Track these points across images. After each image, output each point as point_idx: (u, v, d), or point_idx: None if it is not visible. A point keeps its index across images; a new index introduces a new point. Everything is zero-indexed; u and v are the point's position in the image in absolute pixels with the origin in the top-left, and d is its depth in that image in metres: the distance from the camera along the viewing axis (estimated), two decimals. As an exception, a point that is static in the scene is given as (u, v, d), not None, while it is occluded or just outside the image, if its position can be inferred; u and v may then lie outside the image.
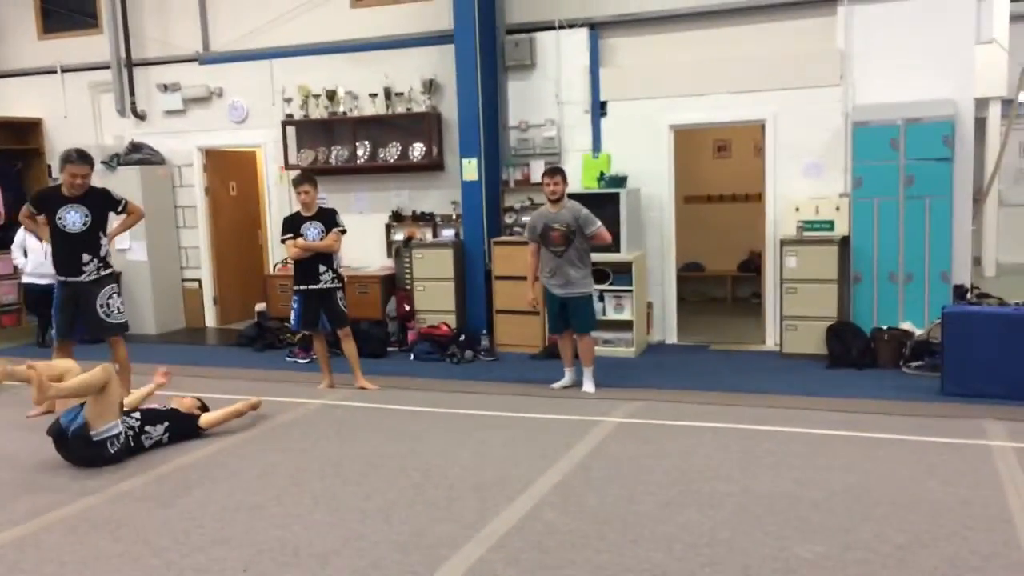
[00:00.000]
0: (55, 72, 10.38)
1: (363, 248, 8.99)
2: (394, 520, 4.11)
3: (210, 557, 3.77)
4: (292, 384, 7.17)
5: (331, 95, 8.98)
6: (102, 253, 6.08)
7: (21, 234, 9.05)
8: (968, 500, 4.12)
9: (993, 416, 5.50)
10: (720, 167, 10.75)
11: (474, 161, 8.24)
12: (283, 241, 6.86)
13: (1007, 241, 10.17)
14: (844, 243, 7.38)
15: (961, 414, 5.61)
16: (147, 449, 5.21)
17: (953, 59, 7.18)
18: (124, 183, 9.04)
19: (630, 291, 7.82)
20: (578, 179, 8.09)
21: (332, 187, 8.94)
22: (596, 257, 7.13)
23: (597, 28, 8.26)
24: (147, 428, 5.22)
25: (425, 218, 8.95)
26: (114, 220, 6.36)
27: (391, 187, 9.11)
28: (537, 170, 8.06)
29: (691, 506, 4.16)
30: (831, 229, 7.48)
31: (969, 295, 7.05)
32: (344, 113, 9.02)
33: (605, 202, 7.66)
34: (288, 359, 8.21)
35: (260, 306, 9.27)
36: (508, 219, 8.61)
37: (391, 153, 8.89)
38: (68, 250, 5.99)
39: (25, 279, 9.18)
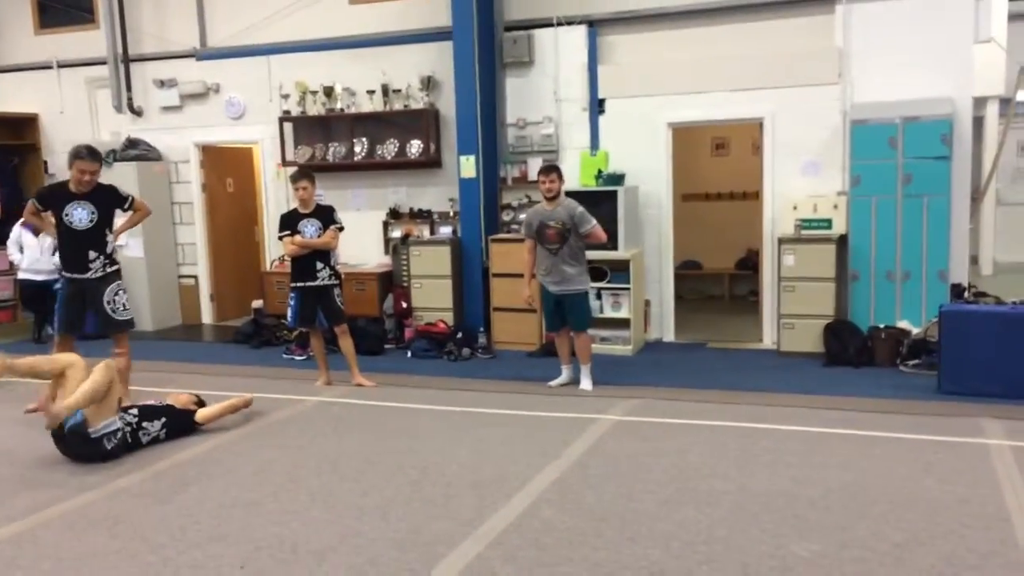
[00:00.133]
0: (51, 67, 10.35)
1: (360, 245, 8.98)
2: (391, 517, 4.10)
3: (207, 554, 3.76)
4: (289, 381, 7.16)
5: (329, 91, 8.96)
6: (108, 250, 6.07)
7: (17, 230, 9.03)
8: (965, 498, 4.13)
9: (990, 415, 5.51)
10: (718, 165, 10.75)
11: (472, 158, 8.23)
12: (280, 238, 6.84)
13: (1004, 240, 10.17)
14: (842, 241, 7.38)
15: (958, 412, 5.62)
16: (145, 445, 5.20)
17: (951, 58, 7.19)
18: (120, 179, 8.96)
19: (628, 289, 7.82)
20: (576, 177, 8.08)
21: (329, 184, 8.92)
22: (594, 255, 7.14)
23: (595, 25, 8.25)
24: (144, 424, 5.22)
25: (423, 215, 8.94)
26: (120, 216, 6.34)
27: (388, 184, 9.10)
28: (535, 167, 8.05)
29: (688, 504, 4.16)
30: (829, 227, 7.48)
31: (966, 294, 7.05)
32: (342, 110, 9.00)
33: (603, 200, 7.67)
34: (285, 356, 8.20)
35: (257, 303, 9.26)
36: (506, 216, 8.60)
37: (389, 150, 8.88)
38: (75, 247, 5.97)
39: (21, 275, 9.15)
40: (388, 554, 3.70)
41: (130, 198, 6.23)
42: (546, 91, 8.43)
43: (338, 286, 6.84)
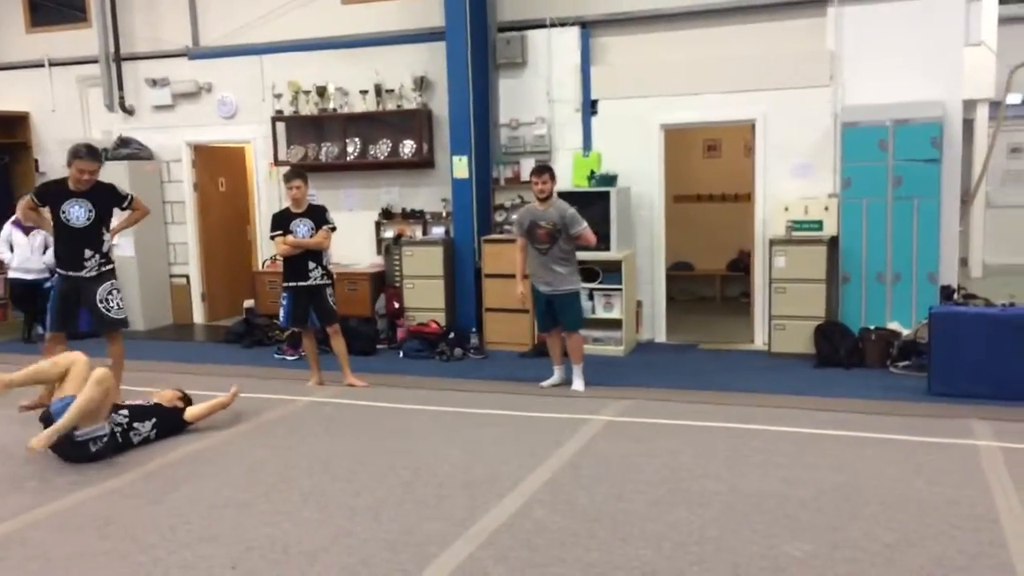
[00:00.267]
0: (43, 66, 10.30)
1: (353, 245, 8.96)
2: (383, 518, 4.10)
3: (197, 554, 3.75)
4: (280, 381, 7.15)
5: (321, 91, 8.95)
6: (104, 249, 6.05)
7: (7, 228, 8.99)
8: (955, 500, 4.15)
9: (979, 416, 5.54)
10: (710, 167, 10.77)
11: (465, 159, 8.23)
12: (272, 238, 6.83)
13: (993, 242, 10.24)
14: (833, 243, 7.41)
15: (948, 414, 5.65)
16: (135, 446, 5.19)
17: (942, 61, 7.23)
18: (112, 178, 8.81)
19: (619, 290, 7.84)
20: (568, 177, 8.10)
21: (322, 184, 8.91)
22: (586, 255, 7.15)
23: (588, 27, 8.26)
24: (135, 425, 5.20)
25: (415, 215, 8.94)
26: (118, 215, 6.32)
27: (381, 184, 9.09)
28: (528, 168, 8.05)
29: (680, 504, 4.17)
30: (820, 229, 7.51)
31: (956, 296, 7.09)
32: (334, 110, 8.99)
33: (595, 200, 7.68)
34: (276, 356, 8.18)
35: (248, 302, 9.24)
36: (498, 217, 8.61)
37: (381, 150, 8.87)
38: (70, 244, 5.96)
39: (11, 274, 9.11)
40: (380, 555, 3.70)
41: (129, 197, 6.21)
42: (539, 92, 8.44)
43: (330, 286, 6.83)
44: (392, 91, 8.77)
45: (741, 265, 10.26)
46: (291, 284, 6.74)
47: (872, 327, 7.17)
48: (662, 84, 8.05)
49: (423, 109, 8.68)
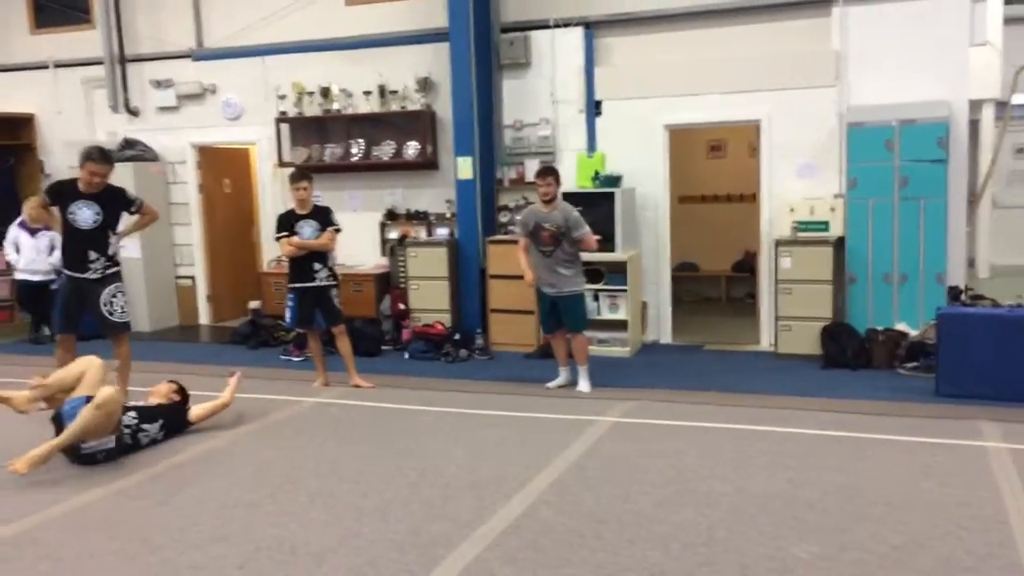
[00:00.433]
0: (48, 67, 10.31)
1: (357, 246, 8.96)
2: (390, 519, 4.10)
3: (207, 555, 3.76)
4: (287, 382, 7.15)
5: (325, 92, 8.96)
6: (110, 252, 6.07)
7: (14, 230, 9.01)
8: (963, 501, 4.14)
9: (988, 417, 5.52)
10: (715, 167, 10.76)
11: (469, 160, 8.22)
12: (278, 239, 6.84)
13: (1000, 243, 10.21)
14: (839, 244, 7.40)
15: (956, 415, 5.63)
16: (144, 447, 5.20)
17: (947, 61, 7.21)
18: (117, 180, 8.87)
19: (625, 291, 7.83)
20: (573, 178, 8.09)
21: (326, 185, 8.91)
22: (591, 256, 7.14)
23: (592, 27, 8.26)
24: (144, 426, 5.22)
25: (419, 217, 8.94)
26: (126, 219, 6.33)
27: (385, 185, 9.09)
28: (532, 169, 8.05)
29: (687, 506, 4.17)
30: (826, 230, 7.50)
31: (963, 296, 7.08)
32: (338, 111, 9.00)
33: (600, 201, 7.68)
34: (282, 357, 8.18)
35: (254, 303, 9.24)
36: (503, 218, 8.60)
37: (385, 151, 8.87)
38: (76, 246, 5.98)
39: (18, 275, 9.11)
40: (387, 555, 3.70)
41: (138, 201, 6.23)
42: (543, 93, 8.43)
43: (336, 287, 6.84)
44: (396, 92, 8.77)
45: (746, 266, 10.24)
46: (297, 285, 6.74)
47: (879, 328, 7.15)
48: (666, 84, 8.04)
49: (427, 110, 8.68)
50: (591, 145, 8.32)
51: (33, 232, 8.90)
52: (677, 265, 9.42)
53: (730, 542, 3.75)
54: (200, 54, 9.69)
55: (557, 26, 8.28)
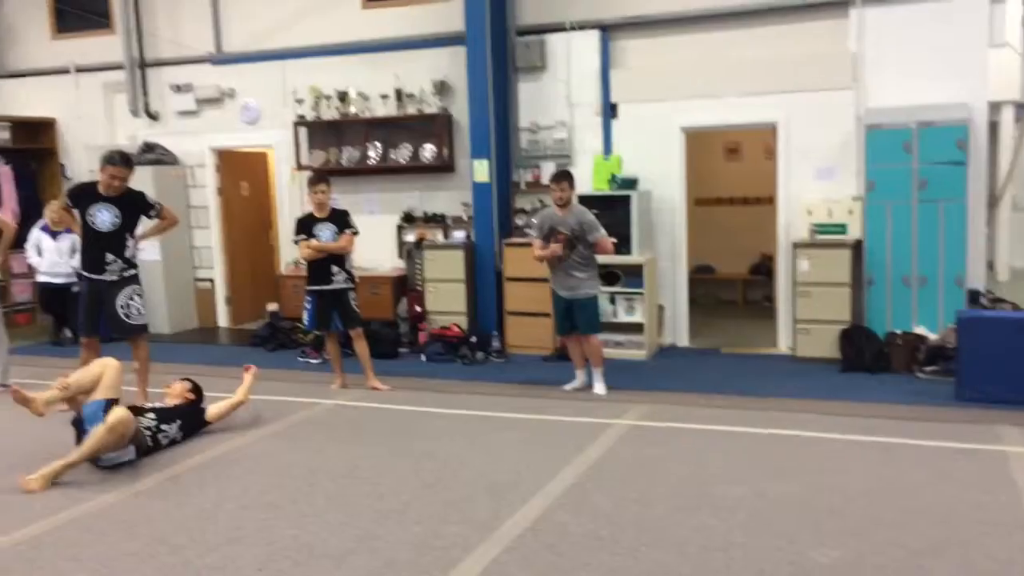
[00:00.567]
0: (68, 72, 10.42)
1: (374, 249, 9.00)
2: (408, 520, 4.12)
3: (226, 556, 3.79)
4: (304, 384, 7.19)
5: (342, 96, 9.01)
6: (127, 255, 6.12)
7: (36, 233, 9.10)
8: (984, 505, 4.11)
9: (1008, 421, 5.47)
10: (731, 170, 10.73)
11: (485, 162, 8.24)
12: (296, 242, 6.88)
13: (1021, 246, 10.10)
14: (857, 246, 7.35)
15: (976, 419, 5.58)
16: (163, 447, 5.24)
17: (966, 62, 7.16)
18: (137, 183, 8.97)
19: (641, 293, 7.82)
20: (589, 181, 8.09)
21: (343, 188, 8.95)
22: (608, 259, 7.13)
23: (608, 30, 8.26)
24: (163, 427, 5.27)
25: (436, 219, 8.96)
26: (145, 223, 6.38)
27: (402, 188, 9.12)
28: (548, 172, 8.05)
29: (705, 509, 4.16)
30: (844, 232, 7.46)
31: (983, 299, 7.02)
32: (355, 114, 9.04)
33: (616, 204, 7.68)
34: (300, 359, 8.23)
35: (272, 306, 9.30)
36: (519, 221, 8.61)
37: (402, 154, 8.91)
38: (94, 248, 6.05)
39: (40, 278, 9.22)
40: (405, 557, 3.72)
41: (157, 206, 6.28)
42: (559, 96, 8.44)
43: (354, 290, 6.87)
44: (412, 95, 8.81)
45: (763, 269, 10.21)
46: (315, 288, 6.78)
47: (898, 331, 7.10)
48: (682, 87, 8.03)
49: (443, 113, 8.71)
50: (607, 148, 8.32)
51: (55, 235, 8.99)
52: (694, 268, 9.40)
53: (749, 546, 3.73)
54: (219, 58, 9.77)
55: (573, 29, 8.29)
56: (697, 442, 5.28)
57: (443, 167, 8.79)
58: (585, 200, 7.28)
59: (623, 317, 7.90)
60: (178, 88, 9.94)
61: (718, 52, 7.93)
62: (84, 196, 6.07)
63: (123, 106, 10.18)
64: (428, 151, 8.79)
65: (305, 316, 6.94)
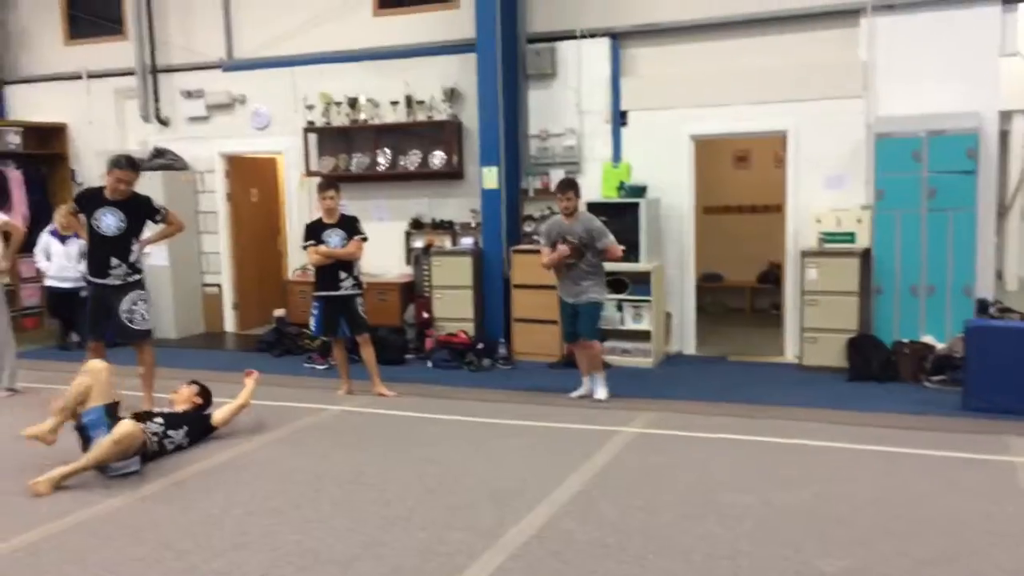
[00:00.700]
0: (80, 78, 10.49)
1: (382, 255, 9.01)
2: (413, 527, 4.12)
3: (231, 561, 3.79)
4: (311, 390, 7.20)
5: (352, 103, 9.03)
6: (131, 259, 6.13)
7: (44, 237, 9.14)
8: (991, 515, 4.09)
9: (1016, 432, 5.44)
10: (740, 178, 10.72)
11: (494, 169, 8.25)
12: (305, 247, 6.90)
13: (1030, 256, 10.06)
14: (865, 255, 7.33)
15: (983, 429, 5.56)
16: (169, 452, 5.25)
17: (977, 71, 7.14)
18: (147, 188, 9.04)
19: (648, 301, 7.81)
20: (598, 188, 8.10)
21: (352, 194, 8.95)
22: (615, 267, 7.13)
23: (618, 38, 8.27)
24: (170, 433, 5.28)
25: (444, 226, 8.97)
26: (151, 228, 6.41)
27: (411, 195, 9.14)
28: (557, 179, 8.05)
29: (711, 518, 4.14)
30: (852, 241, 7.44)
31: (991, 309, 6.99)
32: (365, 121, 9.06)
33: (625, 211, 7.69)
34: (306, 365, 8.24)
35: (279, 312, 9.32)
36: (527, 228, 8.62)
37: (411, 161, 8.93)
38: (99, 252, 6.07)
39: (48, 282, 9.26)
40: (410, 563, 3.71)
41: (163, 211, 6.29)
42: (568, 103, 8.45)
43: (361, 296, 6.88)
44: (422, 102, 8.83)
45: (771, 277, 10.18)
46: (322, 294, 6.79)
47: (906, 340, 7.08)
48: (692, 95, 8.03)
49: (453, 120, 8.73)
50: (616, 155, 8.32)
51: (64, 239, 9.03)
52: (701, 276, 9.37)
53: (755, 555, 3.72)
54: (230, 65, 9.81)
55: (583, 37, 8.30)
56: (704, 450, 5.27)
57: (452, 174, 8.81)
58: (594, 207, 7.28)
59: (630, 324, 7.89)
60: (189, 94, 9.99)
61: (728, 60, 7.93)
62: (90, 200, 6.10)
63: (134, 112, 10.23)
64: (437, 158, 8.81)
65: (312, 322, 6.95)
